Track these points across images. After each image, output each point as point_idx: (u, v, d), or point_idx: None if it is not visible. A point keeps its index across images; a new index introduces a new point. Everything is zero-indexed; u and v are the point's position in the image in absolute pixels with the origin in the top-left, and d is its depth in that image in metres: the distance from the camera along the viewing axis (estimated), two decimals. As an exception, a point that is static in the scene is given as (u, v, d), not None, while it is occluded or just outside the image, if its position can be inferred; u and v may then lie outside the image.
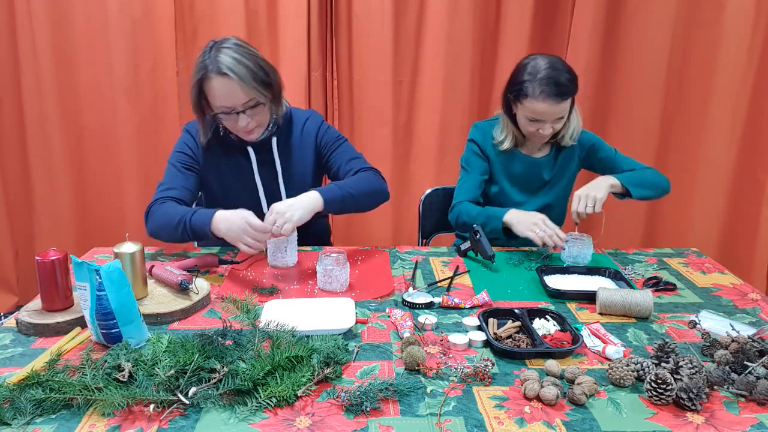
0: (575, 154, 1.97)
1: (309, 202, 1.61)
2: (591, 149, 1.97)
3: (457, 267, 1.69)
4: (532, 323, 1.31)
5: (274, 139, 1.79)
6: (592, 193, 1.74)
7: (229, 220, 1.53)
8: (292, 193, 1.70)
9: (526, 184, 1.96)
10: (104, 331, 1.17)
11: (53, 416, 1.00)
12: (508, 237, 1.81)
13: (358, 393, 1.03)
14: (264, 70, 1.64)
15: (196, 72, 1.62)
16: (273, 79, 1.67)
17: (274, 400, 1.02)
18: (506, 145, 1.93)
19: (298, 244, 1.70)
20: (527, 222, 1.74)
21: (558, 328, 1.31)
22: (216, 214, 1.56)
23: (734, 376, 1.10)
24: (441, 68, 2.77)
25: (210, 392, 1.03)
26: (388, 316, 1.38)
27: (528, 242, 1.77)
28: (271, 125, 1.77)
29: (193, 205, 1.79)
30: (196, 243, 2.11)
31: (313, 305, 1.39)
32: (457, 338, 1.25)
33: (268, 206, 1.66)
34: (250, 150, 1.77)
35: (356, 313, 1.35)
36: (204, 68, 1.60)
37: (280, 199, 1.77)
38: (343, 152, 1.86)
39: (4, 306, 2.92)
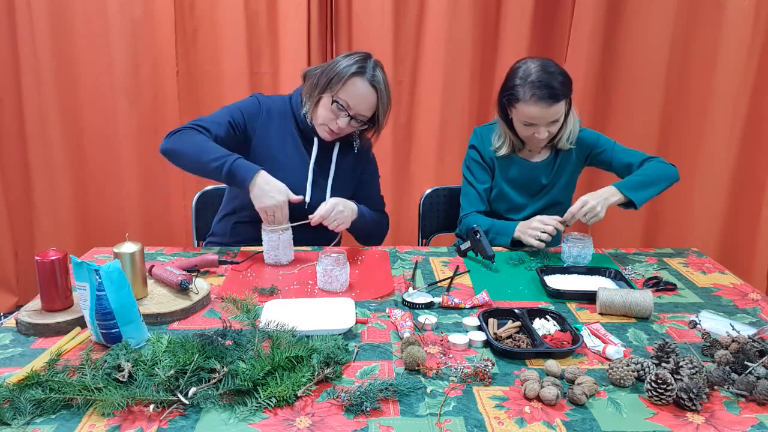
0: (575, 155, 1.96)
1: (354, 209, 1.74)
2: (591, 150, 1.96)
3: (457, 267, 1.69)
4: (532, 323, 1.31)
5: (338, 144, 1.85)
6: (599, 208, 1.73)
7: (272, 182, 1.63)
8: (334, 195, 1.81)
9: (525, 187, 1.97)
10: (104, 331, 1.17)
11: (53, 416, 0.99)
12: (519, 247, 1.85)
13: (358, 393, 1.03)
14: (389, 105, 1.79)
15: (351, 64, 1.71)
16: (387, 115, 1.81)
17: (274, 400, 1.02)
18: (503, 151, 1.93)
19: (313, 243, 1.74)
20: (527, 229, 1.80)
21: (558, 328, 1.31)
22: (262, 171, 1.63)
23: (734, 376, 1.10)
24: (441, 68, 2.77)
25: (210, 392, 1.03)
26: (388, 316, 1.38)
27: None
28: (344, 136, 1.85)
29: None
30: (195, 243, 2.12)
31: (313, 305, 1.39)
32: (457, 338, 1.25)
33: (312, 198, 1.80)
34: (315, 141, 1.82)
35: (356, 313, 1.35)
36: (362, 69, 1.71)
37: (323, 195, 1.83)
38: (374, 186, 2.00)
39: (4, 306, 2.92)
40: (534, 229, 1.77)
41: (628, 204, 1.79)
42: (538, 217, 1.80)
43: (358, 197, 1.92)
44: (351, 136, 1.86)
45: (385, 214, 2.01)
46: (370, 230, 1.91)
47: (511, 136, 1.91)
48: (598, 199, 1.75)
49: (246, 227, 1.85)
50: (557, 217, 1.78)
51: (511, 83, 1.79)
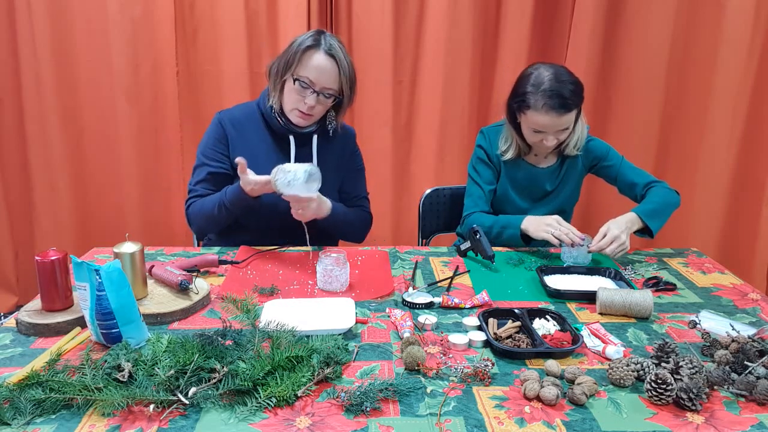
0: (581, 163, 1.96)
1: (326, 206, 1.71)
2: (599, 161, 1.95)
3: (457, 267, 1.69)
4: (532, 323, 1.31)
5: (315, 136, 1.82)
6: (624, 237, 1.69)
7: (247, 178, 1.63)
8: (321, 192, 1.77)
9: (529, 192, 1.96)
10: (104, 331, 1.17)
11: (53, 416, 1.00)
12: (526, 243, 1.83)
13: (358, 393, 1.03)
14: (354, 76, 1.75)
15: (302, 41, 1.69)
16: (353, 87, 1.76)
17: (274, 400, 1.02)
18: (509, 155, 1.92)
19: (310, 242, 1.73)
20: (541, 224, 1.76)
21: (558, 328, 1.31)
22: (239, 182, 1.65)
23: (734, 376, 1.10)
24: (441, 68, 2.77)
25: (210, 392, 1.03)
26: (388, 316, 1.38)
27: (538, 243, 1.81)
28: (319, 123, 1.82)
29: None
30: (196, 243, 2.12)
31: (313, 305, 1.39)
32: (457, 338, 1.25)
33: None
34: (291, 139, 1.80)
35: (356, 313, 1.35)
36: (317, 42, 1.68)
37: None
38: (358, 184, 1.96)
39: (4, 306, 2.92)
40: (549, 225, 1.73)
41: (643, 231, 1.78)
42: (555, 217, 1.76)
43: (340, 193, 1.91)
44: (325, 121, 1.82)
45: (368, 212, 1.96)
46: (350, 229, 1.90)
47: (518, 141, 1.90)
48: (622, 228, 1.71)
49: (238, 233, 1.86)
50: (577, 231, 1.72)
51: (522, 89, 1.77)
